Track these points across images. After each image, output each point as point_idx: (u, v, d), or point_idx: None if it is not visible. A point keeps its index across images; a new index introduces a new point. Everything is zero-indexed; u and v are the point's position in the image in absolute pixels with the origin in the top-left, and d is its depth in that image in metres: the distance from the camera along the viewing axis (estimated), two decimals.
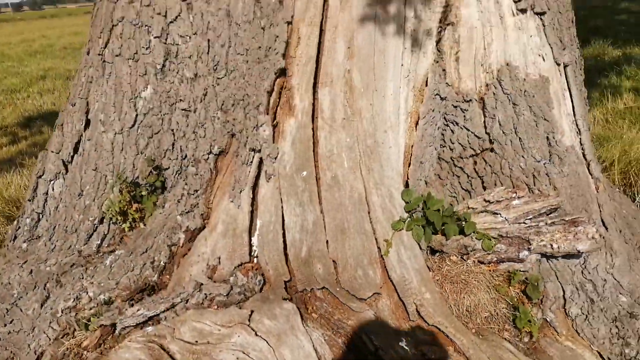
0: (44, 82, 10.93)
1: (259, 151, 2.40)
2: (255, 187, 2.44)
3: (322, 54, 2.39)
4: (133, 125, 2.82)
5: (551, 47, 2.66)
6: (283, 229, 2.38)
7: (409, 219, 2.40)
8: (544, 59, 2.64)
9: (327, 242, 2.34)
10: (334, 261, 2.33)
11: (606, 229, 2.58)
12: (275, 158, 2.39)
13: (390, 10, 2.41)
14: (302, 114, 2.38)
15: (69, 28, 26.92)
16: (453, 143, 2.67)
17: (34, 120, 8.05)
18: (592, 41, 9.91)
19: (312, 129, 2.38)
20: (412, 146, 2.54)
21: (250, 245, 2.40)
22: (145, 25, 2.76)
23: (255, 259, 2.39)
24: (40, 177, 2.96)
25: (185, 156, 2.71)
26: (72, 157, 2.92)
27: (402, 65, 2.47)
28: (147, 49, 2.77)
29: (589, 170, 2.70)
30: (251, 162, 2.41)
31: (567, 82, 2.74)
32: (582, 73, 2.92)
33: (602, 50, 9.36)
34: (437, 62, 2.59)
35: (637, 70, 7.51)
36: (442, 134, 2.69)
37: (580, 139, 2.74)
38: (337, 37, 2.38)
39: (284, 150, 2.40)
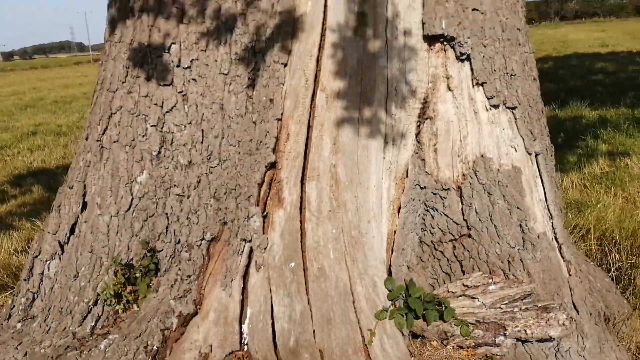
0: (35, 138, 11.04)
1: (250, 241, 2.54)
2: (245, 275, 2.57)
3: (310, 149, 2.57)
4: (128, 209, 2.95)
5: (523, 139, 2.86)
6: (272, 318, 2.49)
7: (391, 307, 2.53)
8: (516, 150, 2.83)
9: (314, 332, 2.46)
10: (320, 351, 2.45)
11: (577, 312, 2.72)
12: (265, 249, 2.53)
13: (372, 110, 2.61)
14: (290, 206, 2.54)
15: (59, 80, 27.26)
16: (434, 228, 2.83)
17: (23, 178, 8.13)
18: (570, 102, 10.29)
19: (300, 220, 2.53)
20: (394, 232, 2.70)
21: (241, 334, 2.52)
22: (143, 114, 2.93)
23: (245, 347, 2.50)
24: (36, 257, 3.06)
25: (179, 241, 2.84)
26: (69, 238, 3.03)
27: (384, 158, 2.65)
28: (143, 136, 2.93)
29: (560, 254, 2.87)
30: (242, 251, 2.55)
31: (539, 169, 2.93)
32: (553, 159, 3.12)
33: (579, 112, 9.70)
34: (417, 152, 2.78)
35: (613, 134, 7.80)
36: (424, 219, 2.86)
37: (552, 223, 2.92)
38: (324, 134, 2.56)
39: (274, 241, 2.54)
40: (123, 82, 2.98)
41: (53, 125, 12.41)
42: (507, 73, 2.81)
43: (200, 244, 2.73)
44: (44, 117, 14.06)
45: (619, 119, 8.67)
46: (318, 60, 2.63)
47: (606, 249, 4.38)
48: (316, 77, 2.62)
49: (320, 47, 2.63)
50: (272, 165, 2.61)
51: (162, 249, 2.91)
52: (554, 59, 19.42)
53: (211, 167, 2.78)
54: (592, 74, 14.66)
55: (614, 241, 4.42)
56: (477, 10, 2.71)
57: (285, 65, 2.64)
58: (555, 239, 2.90)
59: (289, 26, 2.64)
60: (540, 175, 2.94)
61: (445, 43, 2.72)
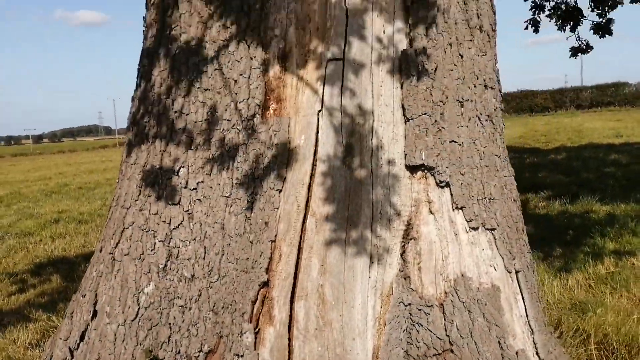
0: (57, 225, 11.43)
1: (242, 356, 2.73)
2: None
3: (300, 270, 2.81)
4: (135, 318, 3.17)
5: (502, 258, 3.06)
6: None
7: None
8: (495, 269, 3.03)
9: None
10: None
11: None
12: None
13: (358, 232, 2.85)
14: (280, 324, 2.75)
15: (85, 165, 28.23)
16: (419, 342, 2.99)
17: (44, 267, 8.40)
18: (581, 196, 10.41)
19: (288, 338, 2.73)
20: (379, 347, 2.87)
21: None
22: (152, 230, 3.21)
23: None
24: None
25: (179, 351, 3.03)
26: (79, 344, 3.25)
27: (369, 277, 2.87)
28: (152, 250, 3.20)
29: None
30: None
31: (519, 286, 3.11)
32: (534, 275, 3.30)
33: (589, 207, 9.77)
34: (402, 270, 2.99)
35: (621, 232, 7.86)
36: (410, 333, 3.02)
37: (533, 338, 3.06)
38: (312, 256, 2.81)
39: (264, 357, 2.73)
40: (136, 200, 3.28)
41: (75, 213, 12.84)
42: (485, 197, 3.06)
43: (198, 355, 2.92)
44: (68, 204, 14.56)
45: (627, 215, 8.75)
46: (309, 187, 2.92)
47: (604, 356, 4.41)
48: (307, 202, 2.90)
49: (312, 176, 2.93)
50: (265, 284, 2.84)
51: (164, 358, 3.10)
52: (568, 149, 19.67)
53: (211, 281, 3.02)
54: (605, 166, 14.79)
55: (611, 348, 4.46)
56: (455, 142, 3.00)
57: (280, 191, 2.93)
58: (537, 354, 3.03)
59: (284, 157, 2.95)
60: (521, 292, 3.11)
61: (425, 171, 2.99)
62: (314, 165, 2.94)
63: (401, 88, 3.00)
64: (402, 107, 2.98)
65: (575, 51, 7.44)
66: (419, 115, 2.95)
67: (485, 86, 3.20)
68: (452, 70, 3.03)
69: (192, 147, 3.14)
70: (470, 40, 3.14)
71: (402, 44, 3.02)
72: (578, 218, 9.14)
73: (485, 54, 3.25)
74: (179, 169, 3.17)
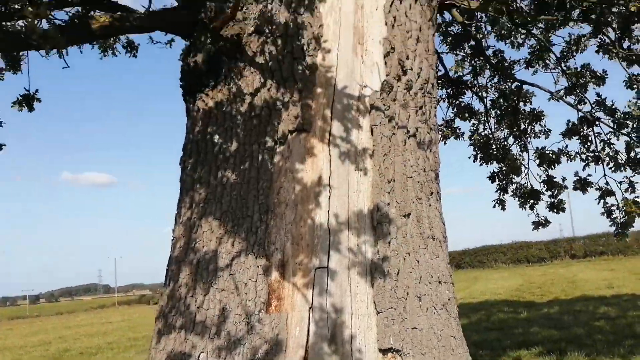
0: None
1: None
2: None
3: None
4: None
5: None
6: None
7: None
8: None
9: None
10: None
11: None
12: None
13: None
14: None
15: (85, 328, 28.31)
16: None
17: None
18: (569, 352, 10.88)
19: None
20: None
21: None
22: None
23: None
24: None
25: None
26: None
27: None
28: None
29: None
30: None
31: None
32: None
33: None
34: None
35: None
36: None
37: None
38: None
39: None
40: None
41: None
42: None
43: None
44: None
45: None
46: None
47: None
48: None
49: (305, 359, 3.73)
50: None
51: None
52: (560, 302, 20.09)
53: None
54: (594, 319, 15.25)
55: None
56: (416, 328, 3.86)
57: None
58: None
59: (282, 345, 3.78)
60: None
61: (394, 353, 3.80)
62: (306, 351, 3.75)
63: (372, 287, 3.91)
64: (374, 302, 3.88)
65: (536, 225, 8.54)
66: (387, 309, 3.83)
67: (439, 282, 4.13)
68: (411, 272, 3.98)
69: (209, 336, 3.97)
70: (425, 248, 4.13)
71: (370, 253, 3.99)
72: None
73: (438, 257, 4.22)
74: (199, 354, 3.97)
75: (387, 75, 4.34)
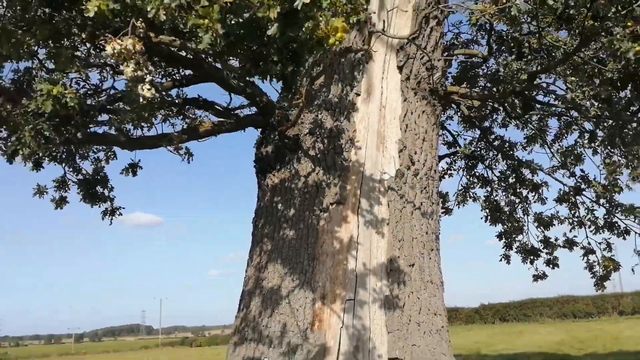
0: None
1: None
2: None
3: None
4: None
5: None
6: None
7: None
8: None
9: None
10: None
11: None
12: None
13: None
14: None
15: None
16: None
17: None
18: None
19: None
20: None
21: None
22: None
23: None
24: None
25: None
26: None
27: None
28: None
29: None
30: None
31: None
32: None
33: None
34: None
35: None
36: None
37: None
38: None
39: None
40: None
41: None
42: None
43: None
44: None
45: None
46: None
47: None
48: None
49: None
50: None
51: None
52: (594, 356, 20.26)
53: None
54: None
55: None
56: (415, 345, 5.52)
57: None
58: None
59: (322, 353, 5.50)
60: None
61: None
62: (338, 357, 5.46)
63: (385, 315, 5.63)
64: (386, 325, 5.58)
65: (536, 277, 10.09)
66: (395, 330, 5.53)
67: (435, 314, 5.81)
68: (413, 305, 5.68)
69: (274, 346, 5.73)
70: (425, 289, 5.84)
71: (385, 291, 5.72)
72: None
73: (435, 296, 5.92)
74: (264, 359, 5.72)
75: (400, 165, 6.17)
